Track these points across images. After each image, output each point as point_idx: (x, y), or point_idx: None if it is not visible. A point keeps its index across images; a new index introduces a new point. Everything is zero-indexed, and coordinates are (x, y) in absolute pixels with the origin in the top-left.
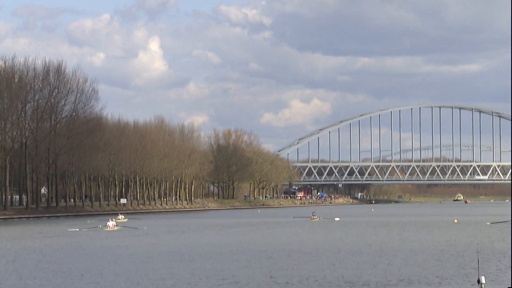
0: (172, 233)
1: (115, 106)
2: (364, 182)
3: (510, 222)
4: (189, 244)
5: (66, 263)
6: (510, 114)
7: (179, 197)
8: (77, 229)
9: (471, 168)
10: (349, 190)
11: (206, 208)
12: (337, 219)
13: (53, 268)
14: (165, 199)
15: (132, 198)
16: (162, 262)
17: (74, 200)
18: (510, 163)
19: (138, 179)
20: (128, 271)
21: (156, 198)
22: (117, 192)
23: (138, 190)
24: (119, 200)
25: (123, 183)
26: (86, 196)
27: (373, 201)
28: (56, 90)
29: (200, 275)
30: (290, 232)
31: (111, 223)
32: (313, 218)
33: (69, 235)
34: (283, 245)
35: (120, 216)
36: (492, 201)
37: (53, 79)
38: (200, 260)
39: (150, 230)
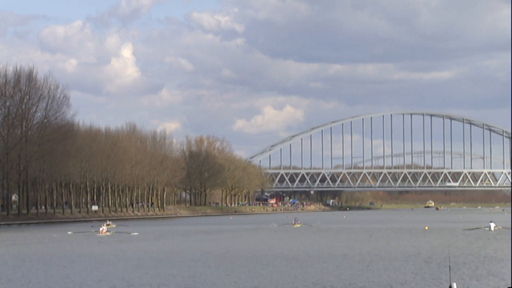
0: (163, 238)
1: (88, 113)
2: (336, 189)
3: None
4: (186, 249)
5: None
6: (482, 122)
7: (151, 204)
8: (70, 232)
9: (442, 175)
10: (321, 197)
11: (178, 215)
12: (318, 223)
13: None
14: (137, 206)
15: (103, 205)
16: (158, 267)
17: (46, 207)
18: (480, 170)
19: (109, 186)
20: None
21: (128, 205)
22: (88, 199)
23: (109, 197)
24: (90, 207)
25: (95, 190)
26: (57, 204)
27: (348, 208)
28: (28, 96)
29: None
30: (276, 238)
31: (102, 229)
32: (295, 224)
33: (51, 242)
34: (269, 250)
35: (108, 222)
36: (464, 207)
37: (24, 85)
38: (196, 265)
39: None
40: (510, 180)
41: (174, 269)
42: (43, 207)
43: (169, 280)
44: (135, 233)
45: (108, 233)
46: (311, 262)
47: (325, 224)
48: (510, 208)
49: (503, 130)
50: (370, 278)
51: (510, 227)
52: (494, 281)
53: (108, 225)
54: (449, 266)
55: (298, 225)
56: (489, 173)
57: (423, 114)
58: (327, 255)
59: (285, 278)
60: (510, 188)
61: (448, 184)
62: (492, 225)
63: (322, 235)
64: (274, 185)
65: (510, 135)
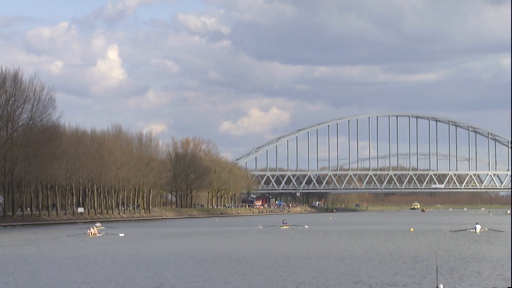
0: (151, 239)
1: (73, 115)
2: (322, 190)
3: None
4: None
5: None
6: (467, 124)
7: (137, 206)
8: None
9: (428, 177)
10: (307, 198)
11: (164, 217)
12: (306, 226)
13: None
14: (123, 208)
15: (89, 207)
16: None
17: (31, 209)
18: (465, 172)
19: (95, 188)
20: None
21: (113, 207)
22: (74, 201)
23: (95, 199)
24: (76, 209)
25: (81, 192)
26: (43, 206)
27: (334, 210)
28: (13, 98)
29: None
30: (265, 240)
31: (92, 230)
32: (283, 226)
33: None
34: (262, 252)
35: (97, 224)
36: (450, 209)
37: (10, 87)
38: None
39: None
40: (511, 182)
41: (170, 270)
42: (29, 209)
43: (168, 280)
44: (121, 234)
45: (98, 235)
46: (299, 263)
47: (312, 225)
48: (510, 210)
49: (488, 132)
50: (357, 279)
51: (497, 229)
52: (480, 282)
53: (97, 227)
54: (436, 267)
55: (287, 227)
56: (474, 175)
57: (408, 116)
58: (315, 256)
59: (274, 279)
60: (510, 190)
61: (433, 186)
62: (478, 227)
63: (310, 236)
64: (260, 187)
65: (511, 141)
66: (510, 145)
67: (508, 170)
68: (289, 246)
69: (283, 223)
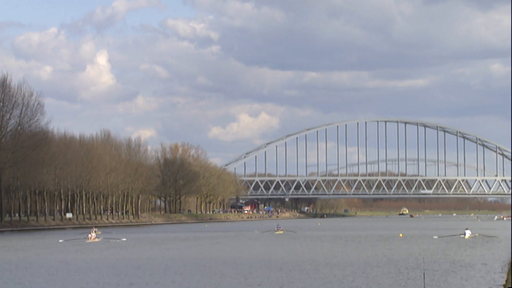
0: (151, 244)
1: (62, 120)
2: (311, 196)
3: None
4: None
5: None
6: (456, 130)
7: (126, 211)
8: (61, 240)
9: (416, 182)
10: (295, 204)
11: (153, 222)
12: (300, 232)
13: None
14: (111, 214)
15: (78, 212)
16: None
17: (19, 215)
18: (454, 178)
19: (84, 194)
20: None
21: (102, 212)
22: (62, 206)
23: (84, 205)
24: (64, 214)
25: (69, 198)
26: (31, 212)
27: (325, 215)
28: (1, 104)
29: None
30: (260, 245)
31: (91, 235)
32: (277, 231)
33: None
34: (255, 257)
35: (95, 229)
36: (440, 215)
37: None
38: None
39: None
40: (511, 189)
41: (170, 276)
42: (17, 214)
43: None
44: (124, 239)
45: (97, 240)
46: (290, 268)
47: (302, 231)
48: (511, 216)
49: (476, 138)
50: (346, 284)
51: (488, 234)
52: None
53: (95, 232)
54: (423, 273)
55: (281, 232)
56: (463, 180)
57: (397, 122)
58: (306, 262)
59: (270, 285)
60: (511, 196)
61: (422, 191)
62: (468, 232)
63: (303, 242)
64: (249, 193)
65: (511, 149)
66: (500, 151)
67: (496, 175)
68: (280, 252)
69: (277, 228)
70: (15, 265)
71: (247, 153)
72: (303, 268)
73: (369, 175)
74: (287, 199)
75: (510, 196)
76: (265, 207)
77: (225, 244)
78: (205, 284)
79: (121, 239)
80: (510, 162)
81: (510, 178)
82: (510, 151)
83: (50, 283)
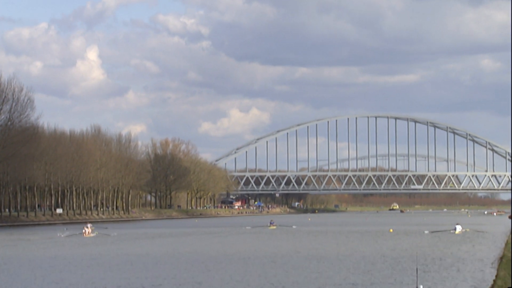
0: (144, 239)
1: (53, 116)
2: (301, 191)
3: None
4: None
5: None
6: (446, 125)
7: (116, 207)
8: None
9: (407, 177)
10: (286, 199)
11: (143, 218)
12: (294, 226)
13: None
14: (101, 209)
15: (68, 208)
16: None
17: (9, 210)
18: (444, 173)
19: (74, 189)
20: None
21: (92, 208)
22: (52, 202)
23: (74, 200)
24: (55, 210)
25: (59, 193)
26: (21, 207)
27: (317, 211)
28: None
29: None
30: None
31: (87, 230)
32: (271, 226)
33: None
34: (248, 252)
35: (89, 224)
36: (431, 210)
37: None
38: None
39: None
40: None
41: (173, 270)
42: (7, 210)
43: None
44: (115, 234)
45: (92, 235)
46: (283, 262)
47: (296, 226)
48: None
49: (467, 133)
50: (338, 279)
51: (479, 229)
52: (460, 283)
53: (89, 227)
54: (416, 268)
55: (274, 227)
56: (453, 175)
57: (387, 117)
58: (298, 256)
59: (265, 278)
60: (511, 191)
61: (412, 187)
62: (459, 227)
63: (296, 237)
64: (239, 188)
65: (511, 150)
66: (490, 146)
67: (486, 171)
68: (271, 246)
69: (270, 223)
70: (18, 261)
71: (237, 149)
72: (296, 263)
73: (360, 170)
74: (277, 195)
75: (509, 191)
76: (256, 203)
77: (223, 240)
78: (205, 278)
79: (113, 234)
80: (511, 159)
81: (501, 173)
82: (510, 149)
83: (56, 277)
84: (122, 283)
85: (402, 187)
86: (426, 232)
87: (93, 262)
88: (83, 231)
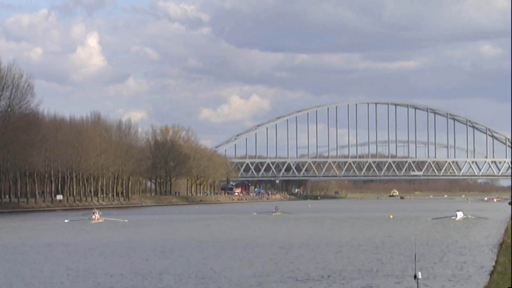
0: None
1: (53, 102)
2: (301, 178)
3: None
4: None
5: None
6: (446, 112)
7: (116, 193)
8: (67, 220)
9: (407, 164)
10: (286, 186)
11: (143, 204)
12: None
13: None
14: (102, 195)
15: (68, 194)
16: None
17: (10, 197)
18: (444, 159)
19: (74, 176)
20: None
21: (92, 194)
22: (53, 188)
23: (74, 187)
24: (55, 196)
25: (59, 180)
26: (21, 193)
27: (319, 197)
28: None
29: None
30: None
31: (95, 216)
32: (275, 213)
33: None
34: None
35: (96, 210)
36: (431, 196)
37: None
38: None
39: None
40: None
41: (181, 257)
42: (7, 196)
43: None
44: (126, 220)
45: (100, 220)
46: (285, 249)
47: (294, 213)
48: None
49: (467, 120)
50: (337, 266)
51: (481, 216)
52: (459, 269)
53: (97, 213)
54: (415, 255)
55: (278, 213)
56: (453, 162)
57: (387, 104)
58: (299, 243)
59: (268, 264)
60: (510, 178)
61: (412, 173)
62: (460, 214)
63: (299, 223)
64: (239, 175)
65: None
66: (493, 133)
67: (486, 157)
68: (273, 233)
69: (275, 209)
70: (30, 247)
71: (237, 135)
72: (290, 251)
73: (360, 157)
74: (277, 181)
75: (509, 177)
76: (256, 189)
77: (229, 225)
78: (215, 264)
79: (124, 220)
80: (511, 145)
81: (501, 160)
82: (510, 135)
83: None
84: (126, 271)
85: (402, 174)
86: (426, 218)
87: (106, 249)
88: (93, 217)
